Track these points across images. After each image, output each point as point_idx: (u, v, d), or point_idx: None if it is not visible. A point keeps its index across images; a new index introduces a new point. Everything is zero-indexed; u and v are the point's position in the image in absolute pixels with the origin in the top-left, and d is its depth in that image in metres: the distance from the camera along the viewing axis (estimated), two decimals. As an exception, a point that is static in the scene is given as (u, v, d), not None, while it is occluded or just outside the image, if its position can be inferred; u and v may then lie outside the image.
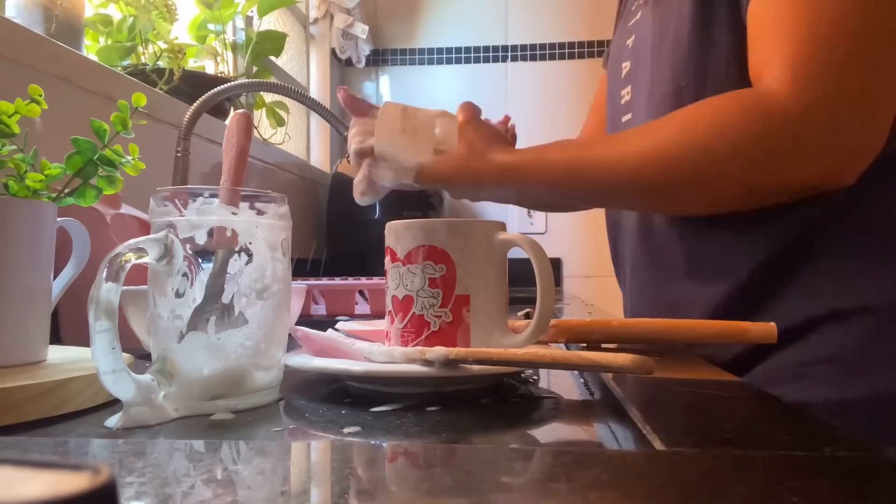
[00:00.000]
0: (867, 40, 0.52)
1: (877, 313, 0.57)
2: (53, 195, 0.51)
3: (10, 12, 0.90)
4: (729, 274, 0.65)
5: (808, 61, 0.53)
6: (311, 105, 1.08)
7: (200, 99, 0.97)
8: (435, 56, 2.41)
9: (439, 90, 2.39)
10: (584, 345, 0.59)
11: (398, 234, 0.51)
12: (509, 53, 2.37)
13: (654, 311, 0.74)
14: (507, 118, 0.87)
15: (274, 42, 1.54)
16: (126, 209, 0.77)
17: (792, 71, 0.53)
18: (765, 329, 0.55)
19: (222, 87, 0.99)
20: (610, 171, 0.62)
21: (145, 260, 0.39)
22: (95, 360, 0.36)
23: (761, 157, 0.55)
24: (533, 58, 2.36)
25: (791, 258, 0.61)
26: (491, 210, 2.19)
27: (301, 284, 0.77)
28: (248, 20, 1.57)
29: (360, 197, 0.74)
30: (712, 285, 0.66)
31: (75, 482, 0.13)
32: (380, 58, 2.45)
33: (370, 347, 0.48)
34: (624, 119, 0.78)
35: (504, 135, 0.73)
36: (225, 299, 0.41)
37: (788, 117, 0.53)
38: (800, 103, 0.52)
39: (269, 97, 1.62)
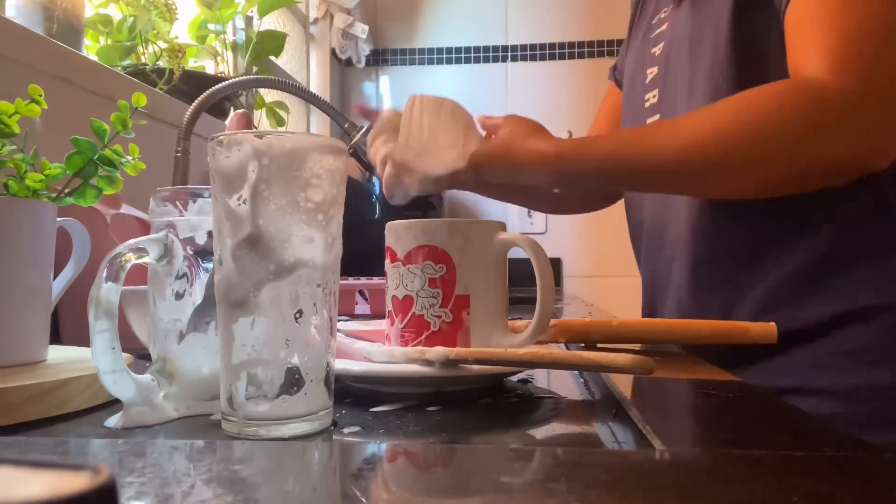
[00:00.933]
0: (892, 38, 0.59)
1: (890, 311, 0.63)
2: (53, 195, 0.51)
3: (10, 12, 0.90)
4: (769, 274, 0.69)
5: (845, 54, 0.59)
6: (310, 98, 1.08)
7: (200, 97, 0.97)
8: (435, 56, 2.41)
9: (439, 90, 2.38)
10: (583, 345, 0.59)
11: (398, 234, 0.51)
12: (509, 53, 2.37)
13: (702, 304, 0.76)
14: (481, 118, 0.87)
15: (274, 42, 1.54)
16: (126, 209, 0.77)
17: (831, 62, 0.59)
18: (765, 329, 0.55)
19: (222, 84, 0.99)
20: (660, 151, 0.65)
21: (145, 260, 0.39)
22: (95, 360, 0.36)
23: (810, 134, 0.60)
24: (533, 58, 2.36)
25: (831, 259, 0.67)
26: (491, 210, 2.19)
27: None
28: (248, 20, 1.57)
29: (391, 197, 0.75)
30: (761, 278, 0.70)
31: (75, 482, 0.13)
32: (380, 58, 2.45)
33: (370, 347, 0.48)
34: (649, 120, 0.81)
35: (544, 127, 0.74)
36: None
37: (832, 98, 0.59)
38: (841, 87, 0.59)
39: (269, 97, 1.62)
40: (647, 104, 0.83)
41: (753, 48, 0.69)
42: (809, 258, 0.67)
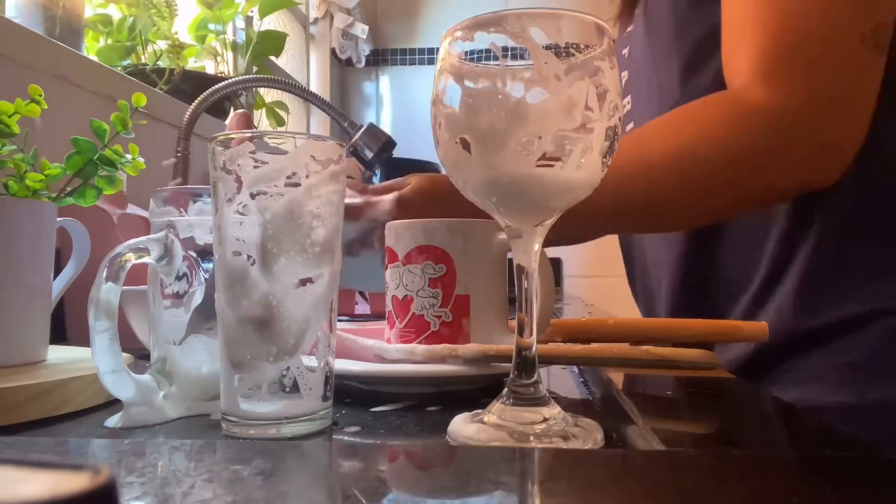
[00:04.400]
0: (831, 44, 0.53)
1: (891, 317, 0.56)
2: (53, 195, 0.51)
3: (10, 12, 0.90)
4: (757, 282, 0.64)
5: (776, 65, 0.54)
6: (310, 97, 1.08)
7: (200, 97, 0.97)
8: (435, 56, 2.41)
9: (439, 90, 2.38)
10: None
11: (398, 234, 0.51)
12: (509, 53, 2.37)
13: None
14: None
15: (274, 42, 1.54)
16: (132, 209, 0.77)
17: (762, 75, 0.54)
18: (756, 328, 0.55)
19: (221, 84, 0.99)
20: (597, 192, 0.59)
21: (145, 260, 0.39)
22: (95, 360, 0.36)
23: (744, 156, 0.55)
24: (533, 58, 2.36)
25: (824, 262, 0.60)
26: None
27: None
28: (249, 20, 1.57)
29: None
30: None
31: (75, 482, 0.13)
32: (380, 58, 2.45)
33: (381, 345, 0.48)
34: (627, 129, 0.77)
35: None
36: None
37: (764, 117, 0.54)
38: (771, 104, 0.54)
39: (268, 97, 1.62)
40: (624, 110, 0.78)
41: (704, 53, 0.64)
42: (805, 271, 0.61)
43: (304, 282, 0.35)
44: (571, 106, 0.32)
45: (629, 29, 0.78)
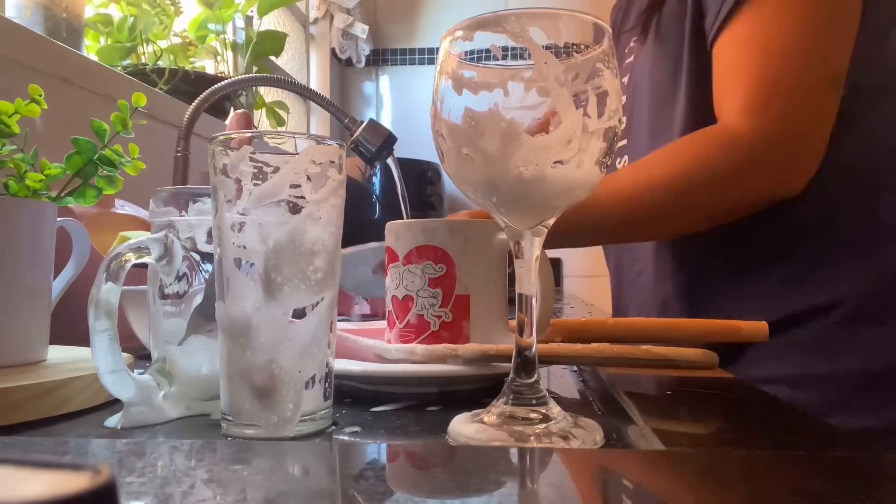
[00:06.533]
0: (802, 86, 0.68)
1: (843, 306, 0.68)
2: (53, 195, 0.51)
3: (10, 12, 0.90)
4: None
5: (759, 101, 0.68)
6: (310, 95, 1.08)
7: (200, 97, 0.97)
8: (435, 56, 2.41)
9: (439, 90, 2.38)
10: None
11: (398, 234, 0.51)
12: (509, 53, 2.37)
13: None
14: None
15: (274, 42, 1.54)
16: (130, 208, 0.76)
17: (746, 107, 0.68)
18: (756, 328, 0.56)
19: (222, 83, 0.99)
20: (607, 210, 0.73)
21: (145, 260, 0.39)
22: (95, 360, 0.36)
23: (729, 178, 0.70)
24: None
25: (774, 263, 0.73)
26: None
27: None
28: (248, 20, 1.57)
29: None
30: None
31: (75, 482, 0.13)
32: (380, 58, 2.45)
33: (381, 345, 0.48)
34: (619, 144, 0.87)
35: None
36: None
37: (743, 143, 0.68)
38: (753, 133, 0.68)
39: (268, 97, 1.62)
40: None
41: (706, 85, 0.73)
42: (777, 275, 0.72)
43: (305, 309, 0.36)
44: (569, 139, 0.32)
45: (629, 60, 0.87)
